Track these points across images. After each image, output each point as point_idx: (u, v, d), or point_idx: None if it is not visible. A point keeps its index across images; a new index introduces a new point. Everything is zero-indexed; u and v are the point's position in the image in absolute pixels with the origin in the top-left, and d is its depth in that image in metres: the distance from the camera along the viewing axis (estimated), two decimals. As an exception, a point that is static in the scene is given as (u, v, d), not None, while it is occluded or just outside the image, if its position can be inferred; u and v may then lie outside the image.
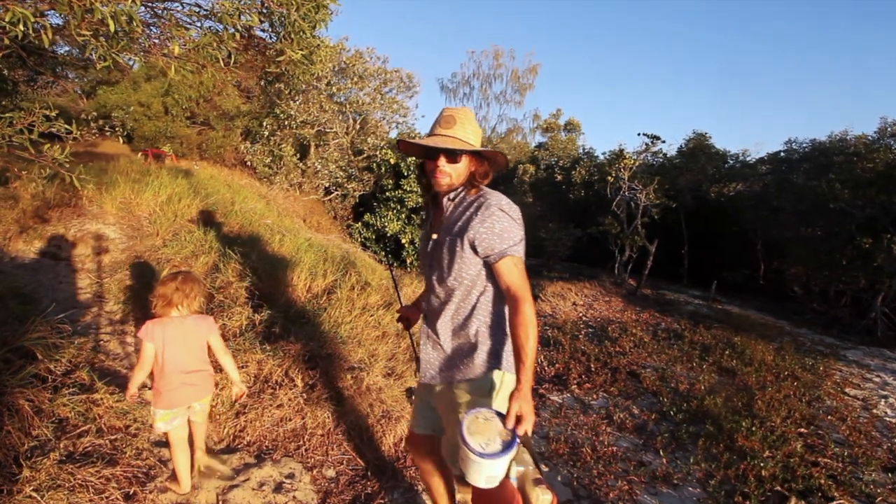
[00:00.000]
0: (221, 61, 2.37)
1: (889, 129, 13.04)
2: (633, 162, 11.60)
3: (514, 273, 1.45)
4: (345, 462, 2.60)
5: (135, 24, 1.78)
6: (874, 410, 4.69)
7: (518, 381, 1.34)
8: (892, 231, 8.90)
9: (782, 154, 16.59)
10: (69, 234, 4.19)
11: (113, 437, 2.29)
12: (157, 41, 2.29)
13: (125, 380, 2.78)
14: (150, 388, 2.39)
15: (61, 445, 2.10)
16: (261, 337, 3.25)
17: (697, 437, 3.58)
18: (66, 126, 2.64)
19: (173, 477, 2.16)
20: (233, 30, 2.46)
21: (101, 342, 3.08)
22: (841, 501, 2.82)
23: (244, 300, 3.73)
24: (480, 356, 1.54)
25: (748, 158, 18.65)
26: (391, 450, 2.78)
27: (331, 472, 2.51)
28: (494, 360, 1.55)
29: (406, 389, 2.12)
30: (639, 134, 16.40)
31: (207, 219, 5.55)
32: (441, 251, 1.56)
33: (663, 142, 12.54)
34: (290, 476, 2.40)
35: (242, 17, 2.31)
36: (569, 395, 4.32)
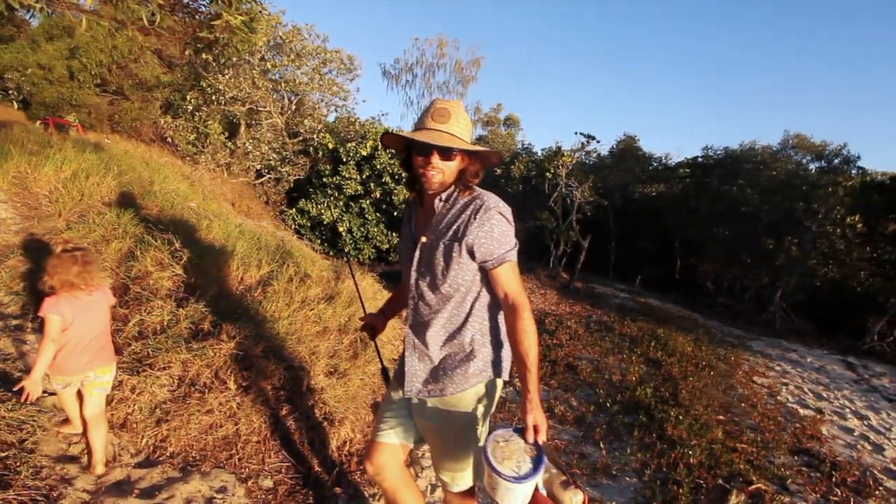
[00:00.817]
0: (145, 20, 2.04)
1: (790, 141, 14.52)
2: (570, 160, 12.00)
3: (512, 279, 1.40)
4: (283, 470, 2.40)
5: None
6: (778, 397, 5.20)
7: (527, 390, 1.30)
8: (793, 234, 9.94)
9: (700, 159, 17.98)
10: (-56, 211, 3.54)
11: (4, 455, 1.93)
12: (63, -11, 1.93)
13: (18, 383, 2.39)
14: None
15: (-69, 470, 1.74)
16: (186, 334, 2.93)
17: (632, 427, 3.74)
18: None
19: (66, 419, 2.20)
20: (159, -15, 2.13)
21: (-13, 341, 2.62)
22: (759, 485, 3.06)
23: (166, 293, 3.35)
24: (476, 365, 1.46)
25: (670, 162, 20.05)
26: (335, 454, 2.62)
27: (268, 483, 2.31)
28: (489, 367, 1.49)
29: (372, 404, 1.97)
30: (576, 133, 17.06)
31: (121, 199, 4.95)
32: (434, 256, 1.43)
33: (598, 142, 13.11)
34: (222, 490, 2.17)
35: (172, -30, 2.00)
36: (511, 388, 4.36)
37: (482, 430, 1.53)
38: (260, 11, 2.49)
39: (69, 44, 11.52)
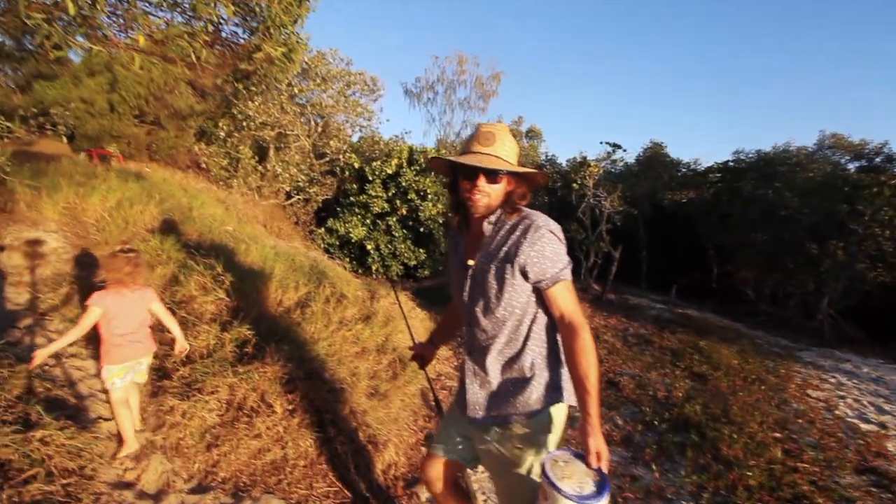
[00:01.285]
0: (193, 56, 2.12)
1: (826, 141, 13.99)
2: (597, 170, 11.85)
3: (567, 298, 1.38)
4: (331, 495, 2.39)
5: (98, 7, 1.52)
6: (836, 412, 4.90)
7: (588, 413, 1.26)
8: (836, 237, 9.49)
9: (731, 163, 17.47)
10: (4, 243, 3.72)
11: (66, 482, 1.98)
12: (116, 30, 2.02)
13: (75, 411, 2.46)
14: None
15: (4, 496, 1.79)
16: (231, 358, 2.97)
17: (683, 446, 3.58)
18: (5, 122, 2.30)
19: (120, 441, 2.30)
20: (203, 22, 2.21)
21: (46, 368, 2.70)
22: (827, 508, 2.87)
23: (210, 316, 3.42)
24: (538, 389, 1.43)
25: (699, 167, 19.56)
26: (380, 478, 2.59)
27: (317, 508, 2.29)
28: (553, 392, 1.45)
29: (426, 437, 1.99)
30: (601, 142, 16.88)
31: (163, 226, 5.13)
32: (486, 279, 1.42)
33: (624, 150, 12.91)
34: (273, 516, 2.16)
35: (217, 7, 2.07)
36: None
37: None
38: (297, 42, 2.56)
39: (109, 78, 12.13)
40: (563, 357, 1.46)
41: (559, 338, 1.45)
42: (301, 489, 2.37)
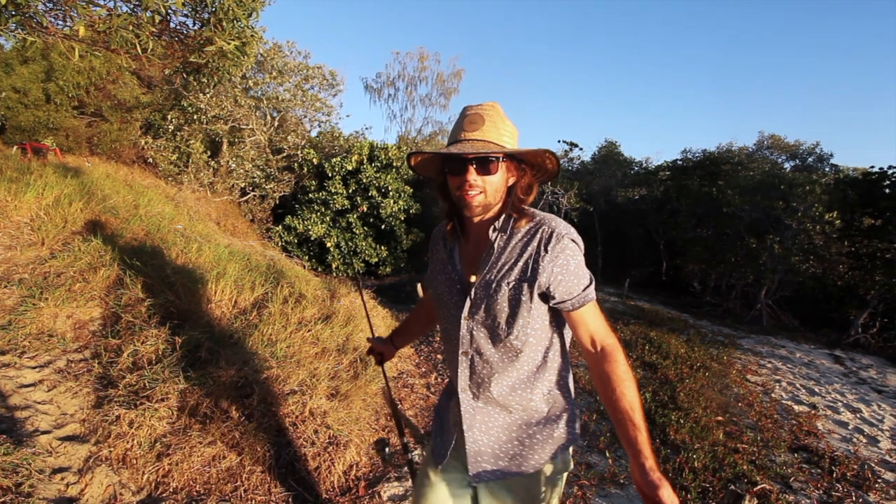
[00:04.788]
0: (139, 48, 2.02)
1: (765, 142, 14.92)
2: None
3: (598, 319, 1.14)
4: (291, 500, 2.35)
5: (30, -5, 1.42)
6: (772, 395, 5.27)
7: (645, 457, 0.97)
8: (773, 232, 10.17)
9: (679, 162, 18.37)
10: (-78, 245, 3.42)
11: (0, 501, 1.86)
12: (53, 19, 1.88)
13: (10, 425, 2.30)
14: None
15: (-77, 523, 1.66)
16: (183, 363, 2.86)
17: (635, 434, 3.75)
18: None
19: None
20: (150, 13, 2.11)
21: (-27, 380, 2.52)
22: (763, 485, 3.09)
23: (159, 320, 3.27)
24: (560, 426, 1.21)
25: (650, 165, 20.44)
26: (342, 479, 2.57)
27: (276, 513, 2.25)
28: (572, 425, 1.24)
29: (377, 441, 1.70)
30: (558, 141, 17.28)
31: (106, 225, 4.86)
32: (495, 300, 1.14)
33: (580, 149, 13.34)
34: (229, 524, 2.11)
35: (164, -2, 1.97)
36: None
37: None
38: (251, 35, 2.48)
39: (44, 66, 11.31)
40: (572, 387, 1.28)
41: (569, 365, 1.27)
42: (259, 495, 2.32)
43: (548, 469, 1.22)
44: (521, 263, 1.12)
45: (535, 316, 1.14)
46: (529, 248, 1.12)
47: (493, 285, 1.15)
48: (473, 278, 1.19)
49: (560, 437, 1.21)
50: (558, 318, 1.19)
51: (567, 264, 1.10)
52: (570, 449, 1.26)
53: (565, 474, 1.27)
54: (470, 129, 1.11)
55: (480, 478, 1.23)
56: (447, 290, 1.26)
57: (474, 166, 1.10)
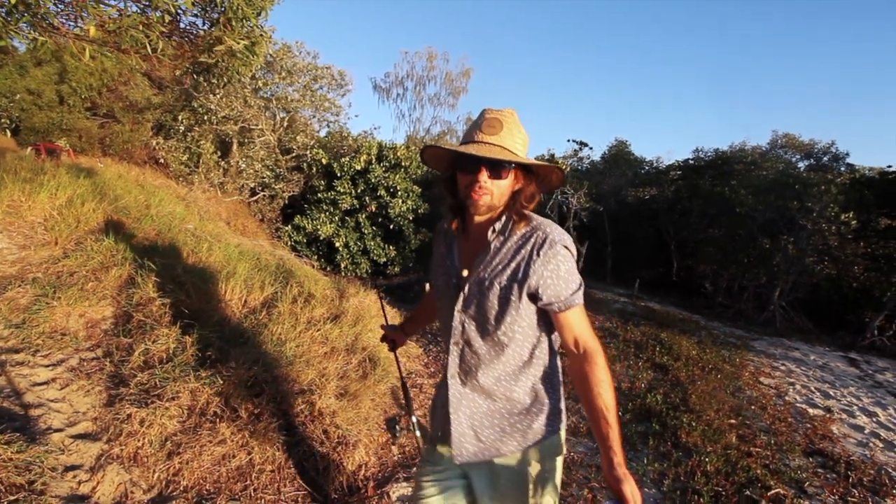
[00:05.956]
0: (149, 48, 2.02)
1: (779, 141, 14.70)
2: (564, 167, 12.07)
3: (582, 323, 1.21)
4: (300, 499, 2.35)
5: (42, -5, 1.43)
6: (786, 397, 5.18)
7: (614, 453, 1.06)
8: (787, 233, 10.01)
9: (691, 161, 18.16)
10: (-61, 245, 3.47)
11: (13, 498, 1.87)
12: (64, 20, 1.90)
13: (23, 423, 2.33)
14: None
15: (-62, 519, 1.68)
16: (193, 362, 2.87)
17: (646, 436, 3.71)
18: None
19: None
20: (160, 12, 2.11)
21: (-12, 378, 2.55)
22: (777, 490, 3.03)
23: (170, 319, 3.29)
24: (541, 417, 1.28)
25: (661, 165, 20.25)
26: (351, 479, 2.57)
27: (285, 513, 2.25)
28: (555, 416, 1.30)
29: (387, 419, 1.87)
30: (568, 140, 17.21)
31: (118, 225, 4.90)
32: (486, 297, 1.22)
33: (590, 148, 13.24)
34: (239, 523, 2.11)
35: (174, -3, 1.98)
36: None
37: (554, 499, 1.33)
38: (261, 35, 2.48)
39: (58, 68, 11.47)
40: (561, 379, 1.35)
41: (559, 362, 1.35)
42: (268, 494, 2.32)
43: (533, 454, 1.29)
44: (513, 265, 1.20)
45: (523, 315, 1.22)
46: (523, 251, 1.19)
47: (486, 283, 1.22)
48: (468, 273, 1.27)
49: (539, 430, 1.28)
50: (546, 319, 1.26)
51: (557, 269, 1.17)
52: (561, 438, 1.32)
53: (557, 462, 1.32)
54: (488, 132, 1.18)
55: (462, 456, 1.32)
56: (444, 283, 1.35)
57: (487, 169, 1.17)
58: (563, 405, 1.34)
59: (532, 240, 1.19)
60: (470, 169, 1.18)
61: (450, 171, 1.28)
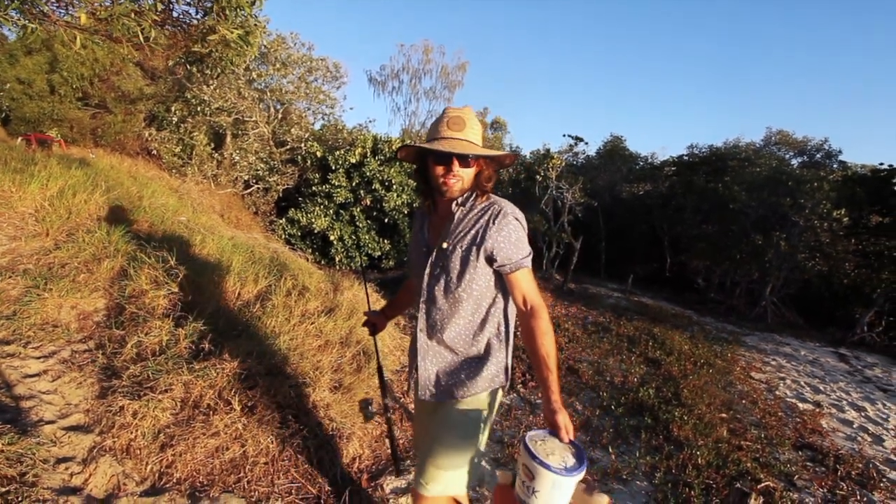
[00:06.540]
0: (141, 38, 1.99)
1: (773, 138, 14.76)
2: (560, 162, 12.06)
3: (530, 283, 1.44)
4: (294, 491, 2.35)
5: (30, -20, 1.39)
6: (777, 392, 5.24)
7: (551, 391, 1.30)
8: (780, 229, 10.08)
9: (685, 157, 18.21)
10: (-73, 235, 3.43)
11: (4, 490, 1.86)
12: (54, 7, 1.86)
13: (14, 414, 2.31)
14: None
15: (-72, 511, 1.66)
16: (187, 354, 2.86)
17: (638, 429, 3.74)
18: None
19: None
20: (153, 0, 2.08)
21: (-22, 370, 2.52)
22: (767, 483, 3.07)
23: (163, 311, 3.27)
24: (490, 369, 1.51)
25: (655, 161, 20.28)
26: (345, 471, 2.57)
27: (279, 505, 2.25)
28: (502, 374, 1.55)
29: (361, 400, 2.04)
30: (563, 135, 17.18)
31: (110, 216, 4.86)
32: (450, 260, 1.47)
33: (585, 143, 13.23)
34: (232, 515, 2.11)
35: (166, -15, 1.95)
36: (515, 395, 4.34)
37: (483, 438, 1.55)
38: (255, 24, 2.45)
39: (48, 57, 11.29)
40: (511, 341, 1.57)
41: (513, 322, 1.57)
42: (262, 486, 2.32)
43: (476, 402, 1.52)
44: (473, 231, 1.45)
45: (481, 274, 1.45)
46: (482, 220, 1.44)
47: (451, 247, 1.47)
48: (442, 244, 1.50)
49: (489, 376, 1.51)
50: (501, 283, 1.49)
51: (509, 236, 1.42)
52: (497, 394, 1.58)
53: (492, 414, 1.57)
54: (455, 129, 1.43)
55: (425, 396, 1.56)
56: (416, 254, 1.61)
57: (458, 160, 1.42)
58: (510, 362, 1.58)
59: (489, 211, 1.45)
60: (444, 161, 1.43)
61: (418, 162, 1.54)
